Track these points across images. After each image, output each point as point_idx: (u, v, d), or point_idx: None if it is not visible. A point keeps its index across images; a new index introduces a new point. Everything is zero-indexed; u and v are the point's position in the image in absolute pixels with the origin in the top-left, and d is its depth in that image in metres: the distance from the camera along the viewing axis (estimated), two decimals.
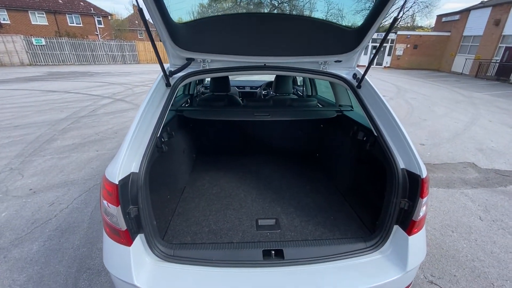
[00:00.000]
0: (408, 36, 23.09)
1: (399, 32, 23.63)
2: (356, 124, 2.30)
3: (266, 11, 1.88)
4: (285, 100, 2.91)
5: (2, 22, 22.99)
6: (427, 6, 32.79)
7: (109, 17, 31.24)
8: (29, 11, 24.35)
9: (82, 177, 3.63)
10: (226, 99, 2.90)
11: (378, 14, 1.43)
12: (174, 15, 1.53)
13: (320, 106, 3.25)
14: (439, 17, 23.78)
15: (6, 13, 23.24)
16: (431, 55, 22.80)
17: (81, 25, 27.71)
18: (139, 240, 1.35)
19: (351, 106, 2.88)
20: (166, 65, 1.76)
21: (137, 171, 1.33)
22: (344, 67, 1.92)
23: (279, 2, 1.94)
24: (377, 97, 1.70)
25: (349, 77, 1.87)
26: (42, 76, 14.12)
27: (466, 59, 19.46)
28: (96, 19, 28.67)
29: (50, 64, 20.64)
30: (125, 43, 23.78)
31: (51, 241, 2.45)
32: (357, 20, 1.69)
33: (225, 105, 2.85)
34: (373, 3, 1.45)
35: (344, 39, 1.72)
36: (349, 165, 2.43)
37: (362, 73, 1.81)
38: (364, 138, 2.06)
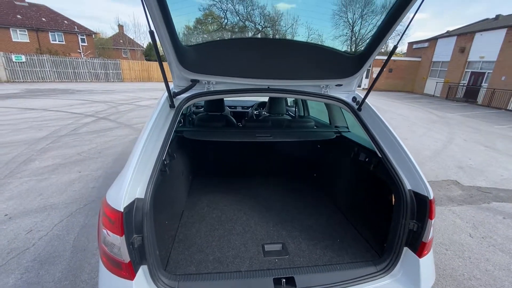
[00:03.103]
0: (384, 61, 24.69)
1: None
2: (357, 145, 2.34)
3: (250, 35, 1.92)
4: (282, 120, 2.93)
5: None
6: (398, 34, 35.53)
7: (93, 36, 31.04)
8: (10, 29, 23.76)
9: (63, 201, 3.38)
10: (224, 120, 2.89)
11: (380, 41, 1.52)
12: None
13: (316, 127, 3.31)
14: (410, 44, 25.76)
15: None
16: (405, 78, 24.40)
17: (63, 42, 27.27)
18: (142, 273, 1.24)
19: (347, 127, 2.96)
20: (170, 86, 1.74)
21: (143, 197, 1.25)
22: (344, 90, 1.99)
23: (263, 26, 2.01)
24: (377, 119, 1.75)
25: (349, 100, 1.94)
26: (20, 94, 13.51)
27: (437, 82, 20.97)
28: (79, 37, 28.37)
29: (29, 81, 19.87)
30: (109, 61, 23.53)
31: (29, 273, 2.21)
32: (336, 44, 1.79)
33: (224, 126, 2.83)
34: (375, 30, 1.53)
35: (346, 64, 1.80)
36: (350, 185, 2.44)
37: (362, 96, 1.88)
38: (366, 159, 2.10)
